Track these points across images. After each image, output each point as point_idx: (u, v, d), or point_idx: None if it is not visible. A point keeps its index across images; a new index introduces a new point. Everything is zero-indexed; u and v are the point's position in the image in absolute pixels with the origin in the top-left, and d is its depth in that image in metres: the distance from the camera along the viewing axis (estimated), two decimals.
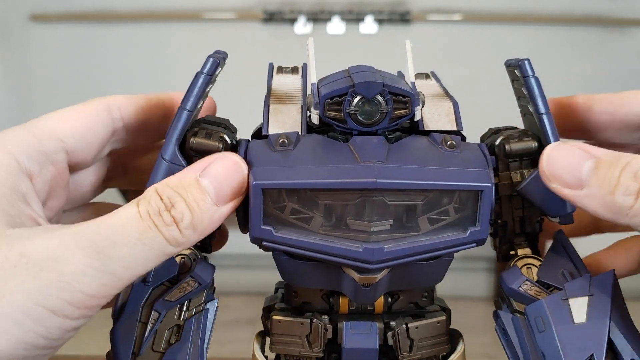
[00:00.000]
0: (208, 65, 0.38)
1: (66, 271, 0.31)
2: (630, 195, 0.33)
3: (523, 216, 0.42)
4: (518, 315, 0.38)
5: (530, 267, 0.41)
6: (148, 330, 0.37)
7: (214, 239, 0.42)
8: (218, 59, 0.38)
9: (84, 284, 0.31)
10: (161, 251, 0.33)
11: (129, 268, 0.33)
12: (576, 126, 0.44)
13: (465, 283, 1.93)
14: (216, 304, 0.39)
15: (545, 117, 0.39)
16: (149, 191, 0.34)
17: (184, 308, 0.38)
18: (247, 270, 2.25)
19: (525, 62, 0.39)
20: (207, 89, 0.39)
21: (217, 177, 0.35)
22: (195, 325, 0.37)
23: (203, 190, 0.34)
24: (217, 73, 0.39)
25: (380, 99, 0.38)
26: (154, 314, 0.37)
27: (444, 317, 0.42)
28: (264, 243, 0.37)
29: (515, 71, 0.40)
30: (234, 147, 0.40)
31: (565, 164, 0.35)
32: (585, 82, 2.12)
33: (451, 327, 0.43)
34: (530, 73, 0.39)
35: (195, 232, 0.34)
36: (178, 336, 0.37)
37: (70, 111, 0.40)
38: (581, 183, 0.34)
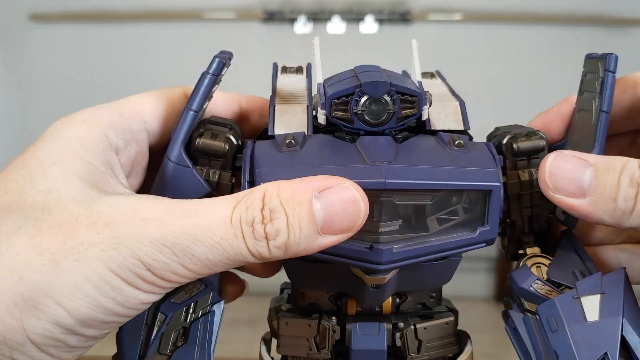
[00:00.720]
0: (214, 66, 0.38)
1: (140, 251, 0.31)
2: (630, 199, 0.35)
3: (532, 215, 0.41)
4: (529, 314, 0.38)
5: (539, 266, 0.41)
6: (154, 332, 0.37)
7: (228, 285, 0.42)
8: (224, 59, 0.38)
9: (154, 267, 0.32)
10: (241, 260, 0.33)
11: (204, 266, 0.32)
12: None
13: (465, 283, 1.93)
14: (222, 305, 0.39)
15: (605, 116, 0.39)
16: (255, 194, 0.33)
17: (190, 310, 0.38)
18: None
19: (613, 56, 0.39)
20: (213, 90, 0.39)
21: (332, 206, 0.33)
22: (201, 328, 0.37)
23: (312, 214, 0.32)
24: (222, 73, 0.39)
25: (387, 98, 0.38)
26: (160, 316, 0.37)
27: (452, 318, 0.42)
28: None
29: (599, 63, 0.39)
30: (239, 148, 0.40)
31: (567, 175, 0.36)
32: None
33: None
34: (613, 69, 0.39)
35: (287, 252, 0.33)
36: (184, 338, 0.37)
37: (153, 95, 0.41)
38: (584, 192, 0.36)
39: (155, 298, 0.34)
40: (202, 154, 0.39)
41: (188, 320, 0.38)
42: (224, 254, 0.32)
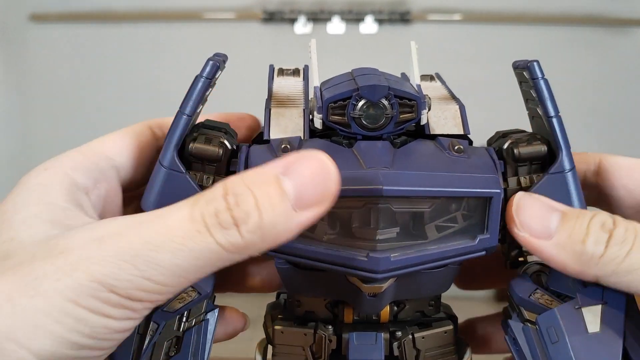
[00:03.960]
0: (208, 69, 0.37)
1: (98, 272, 0.29)
2: (601, 244, 0.33)
3: None
4: (529, 324, 0.37)
5: (540, 275, 0.40)
6: (146, 342, 0.36)
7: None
8: (218, 62, 0.37)
9: (117, 287, 0.29)
10: (215, 258, 0.29)
11: (173, 275, 0.29)
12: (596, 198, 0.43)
13: None
14: (216, 314, 0.38)
15: (555, 120, 0.38)
16: (215, 187, 0.30)
17: (184, 319, 0.37)
18: None
19: (535, 63, 0.38)
20: (207, 93, 0.38)
21: (301, 177, 0.30)
22: (195, 337, 0.36)
23: (282, 191, 0.29)
24: (217, 76, 0.38)
25: (385, 102, 0.37)
26: (152, 325, 0.36)
27: (451, 327, 0.41)
28: (267, 252, 0.35)
29: (524, 73, 0.39)
30: (234, 153, 0.39)
31: (534, 213, 0.35)
32: (586, 82, 2.11)
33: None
34: (539, 75, 0.38)
35: (264, 237, 0.29)
36: (177, 348, 0.36)
37: (117, 133, 0.40)
38: (550, 233, 0.35)
39: (131, 324, 0.31)
40: (196, 159, 0.38)
41: (181, 329, 0.37)
42: (192, 255, 0.29)
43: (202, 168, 0.38)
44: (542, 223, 0.35)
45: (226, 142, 0.38)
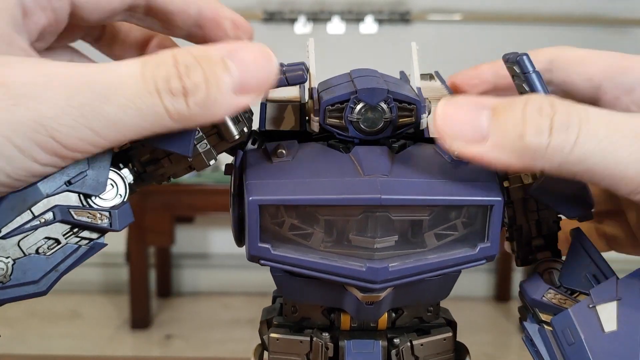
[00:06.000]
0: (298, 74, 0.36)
1: (43, 113, 0.28)
2: (543, 133, 0.29)
3: (539, 219, 0.40)
4: (545, 326, 0.36)
5: (552, 272, 0.39)
6: (31, 224, 0.34)
7: None
8: (304, 77, 0.36)
9: (58, 132, 0.28)
10: (158, 122, 0.29)
11: (116, 130, 0.29)
12: None
13: (465, 283, 1.91)
14: (102, 247, 0.36)
15: None
16: (164, 54, 0.30)
17: (76, 230, 0.35)
18: (247, 270, 2.24)
19: (524, 57, 0.37)
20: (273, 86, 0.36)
21: (244, 63, 0.30)
22: (70, 253, 0.35)
23: (228, 72, 0.30)
24: (292, 84, 0.37)
25: (384, 106, 0.36)
26: (48, 215, 0.34)
27: (450, 334, 0.40)
28: (262, 261, 0.35)
29: (515, 67, 0.38)
30: (243, 144, 0.38)
31: (462, 117, 0.31)
32: None
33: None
34: (530, 69, 0.37)
35: (205, 112, 0.30)
36: (50, 251, 0.34)
37: None
38: (484, 134, 0.30)
39: (50, 170, 0.30)
40: (212, 124, 0.37)
41: (66, 238, 0.35)
42: (138, 114, 0.29)
43: (208, 134, 0.37)
44: (472, 126, 0.30)
45: (245, 132, 0.37)
